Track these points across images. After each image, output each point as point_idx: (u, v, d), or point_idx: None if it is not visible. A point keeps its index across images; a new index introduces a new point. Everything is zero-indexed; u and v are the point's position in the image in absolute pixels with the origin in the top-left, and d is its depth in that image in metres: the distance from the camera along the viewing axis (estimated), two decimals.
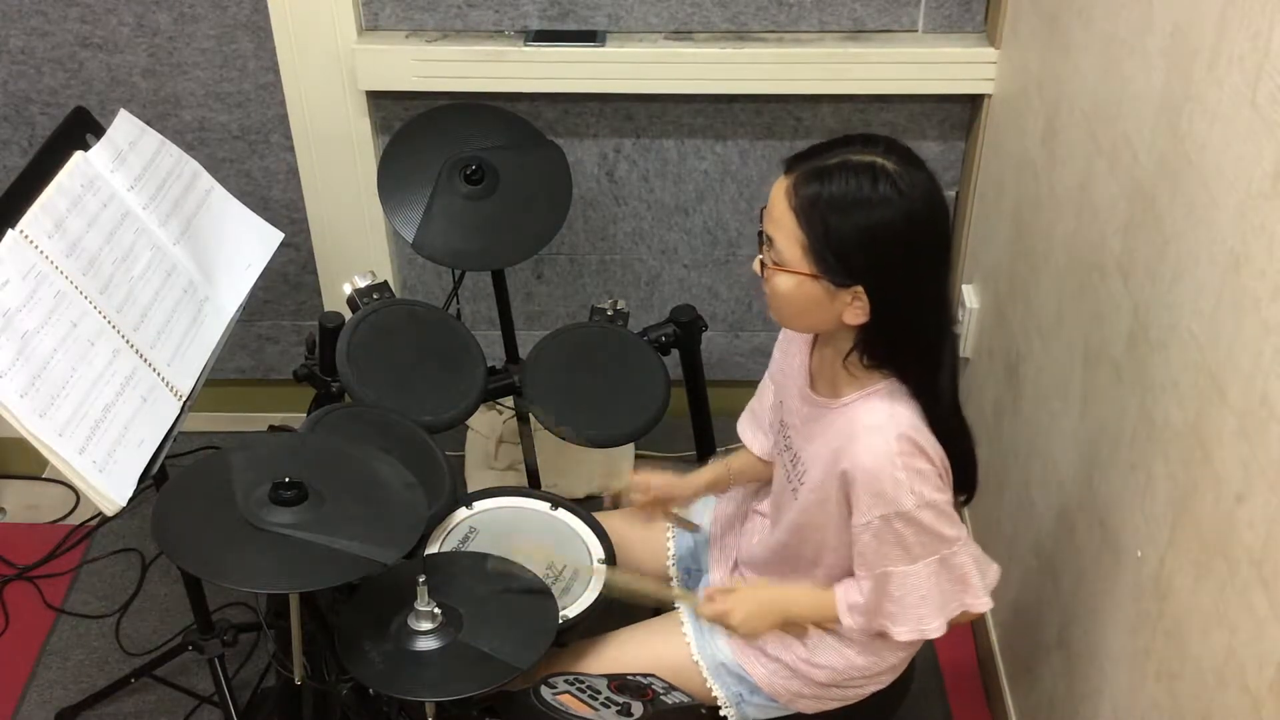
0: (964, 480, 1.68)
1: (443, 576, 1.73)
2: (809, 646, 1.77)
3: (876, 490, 1.55)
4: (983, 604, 1.65)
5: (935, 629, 1.63)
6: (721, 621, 1.76)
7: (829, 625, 1.75)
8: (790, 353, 1.76)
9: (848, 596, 1.69)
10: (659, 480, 1.91)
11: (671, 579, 2.01)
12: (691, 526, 1.99)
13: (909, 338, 1.56)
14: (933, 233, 1.51)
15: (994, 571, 1.69)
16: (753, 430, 1.92)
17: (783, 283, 1.54)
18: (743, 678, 1.82)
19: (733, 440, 2.30)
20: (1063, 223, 1.98)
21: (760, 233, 1.56)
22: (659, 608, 1.96)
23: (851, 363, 1.59)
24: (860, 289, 1.50)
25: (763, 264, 1.57)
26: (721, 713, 1.83)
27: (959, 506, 1.64)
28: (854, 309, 1.52)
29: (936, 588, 1.61)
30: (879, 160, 1.48)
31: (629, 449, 2.81)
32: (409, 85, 2.46)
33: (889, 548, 1.59)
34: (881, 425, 1.56)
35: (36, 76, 2.52)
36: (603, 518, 1.99)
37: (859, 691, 1.82)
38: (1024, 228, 2.21)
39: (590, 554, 1.92)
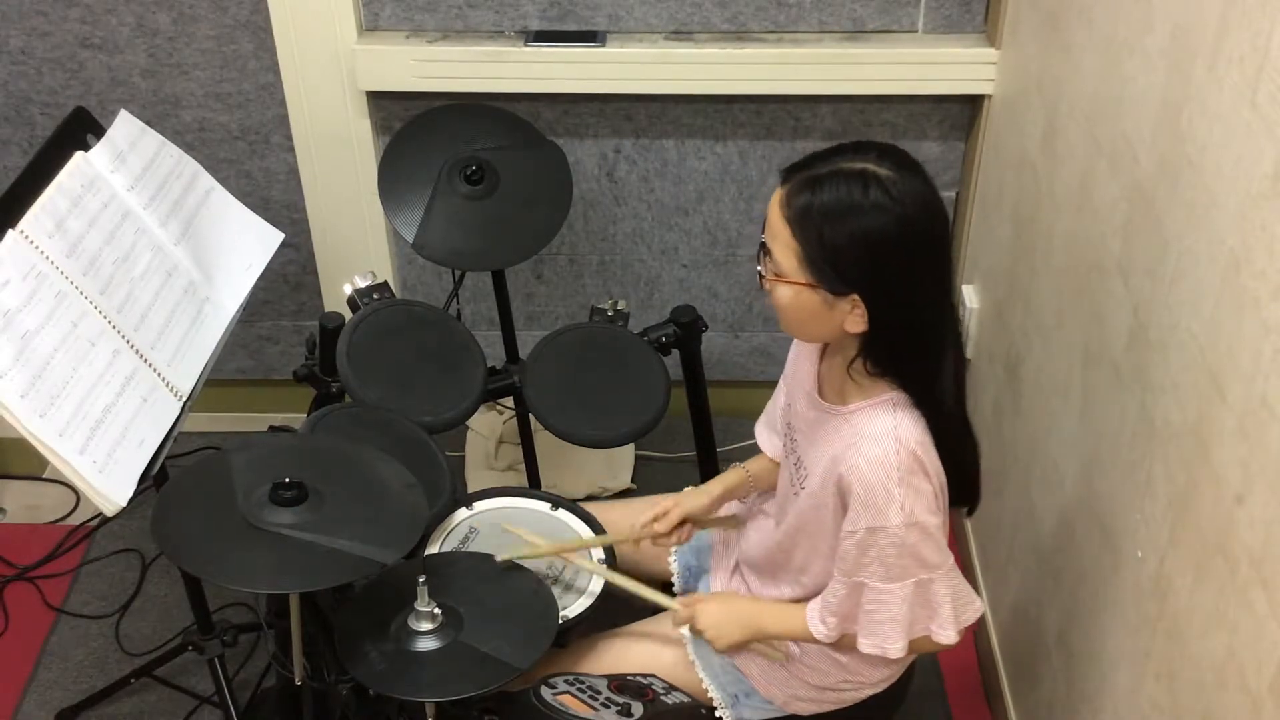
0: (967, 492, 1.67)
1: (443, 576, 1.73)
2: (802, 648, 1.77)
3: (867, 499, 1.55)
4: (948, 636, 1.63)
5: (897, 650, 1.62)
6: (692, 627, 1.77)
7: (798, 640, 1.75)
8: (801, 357, 1.76)
9: (821, 605, 1.68)
10: (674, 504, 1.89)
11: (673, 577, 2.01)
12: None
13: (909, 344, 1.55)
14: (928, 238, 1.50)
15: (974, 610, 1.67)
16: (768, 434, 1.91)
17: (782, 293, 1.54)
18: (739, 679, 1.82)
19: (732, 439, 2.29)
20: (1063, 223, 1.98)
21: (761, 244, 1.56)
22: (656, 607, 1.96)
23: (856, 370, 1.59)
24: (857, 297, 1.50)
25: (762, 275, 1.57)
26: (717, 714, 1.83)
27: (962, 518, 1.63)
28: (854, 317, 1.52)
29: (908, 611, 1.60)
30: (871, 167, 1.47)
31: (629, 449, 2.81)
32: (409, 85, 2.46)
33: (869, 561, 1.58)
34: (884, 435, 1.55)
35: (36, 76, 2.52)
36: (604, 518, 1.99)
37: (855, 695, 1.81)
38: (1024, 228, 2.21)
39: (590, 555, 1.92)
